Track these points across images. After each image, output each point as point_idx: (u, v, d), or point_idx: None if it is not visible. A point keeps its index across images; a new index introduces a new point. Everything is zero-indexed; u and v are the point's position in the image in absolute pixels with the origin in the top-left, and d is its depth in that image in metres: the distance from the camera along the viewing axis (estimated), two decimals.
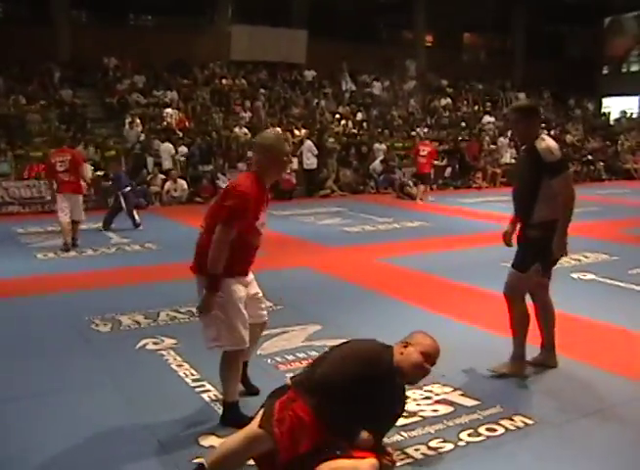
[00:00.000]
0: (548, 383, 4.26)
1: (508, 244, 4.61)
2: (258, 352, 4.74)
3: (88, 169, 11.37)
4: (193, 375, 4.33)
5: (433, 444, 3.40)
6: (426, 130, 19.95)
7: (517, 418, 3.68)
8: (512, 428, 3.58)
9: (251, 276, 3.80)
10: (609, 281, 6.96)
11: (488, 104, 23.35)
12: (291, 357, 4.67)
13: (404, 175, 16.82)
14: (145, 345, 4.97)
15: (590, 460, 3.30)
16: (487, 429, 3.56)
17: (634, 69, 28.21)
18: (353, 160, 17.41)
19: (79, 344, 5.07)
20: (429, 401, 3.91)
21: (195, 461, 3.05)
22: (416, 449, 3.34)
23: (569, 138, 22.02)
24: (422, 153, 15.25)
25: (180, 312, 5.79)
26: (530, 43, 27.01)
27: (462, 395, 4.00)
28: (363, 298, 6.32)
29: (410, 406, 3.81)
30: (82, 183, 9.58)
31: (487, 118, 21.70)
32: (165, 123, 16.76)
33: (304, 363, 4.52)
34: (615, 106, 27.30)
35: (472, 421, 3.65)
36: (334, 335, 5.04)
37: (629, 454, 3.39)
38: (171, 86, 18.66)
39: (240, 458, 2.89)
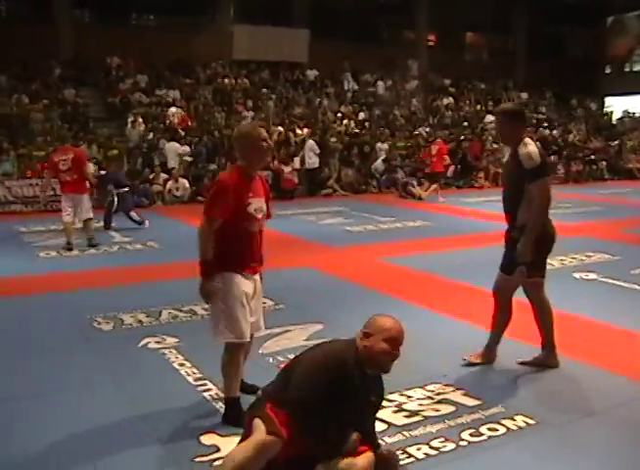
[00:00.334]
0: (550, 383, 4.26)
1: None
2: (260, 352, 4.75)
3: (91, 169, 11.34)
4: (194, 374, 4.34)
5: (434, 443, 3.40)
6: (428, 130, 19.95)
7: (518, 418, 3.67)
8: (513, 428, 3.58)
9: (257, 280, 3.80)
10: (611, 281, 6.95)
11: (491, 103, 23.32)
12: (292, 356, 4.65)
13: (406, 175, 16.81)
14: (147, 343, 4.98)
15: (591, 460, 3.30)
16: (489, 429, 3.55)
17: (637, 68, 28.21)
18: (355, 159, 17.41)
19: (81, 342, 5.08)
20: (430, 401, 3.91)
21: None
22: (417, 449, 3.34)
23: (570, 138, 22.01)
24: (432, 152, 15.30)
25: (182, 311, 5.80)
26: (533, 43, 27.00)
27: (464, 394, 4.00)
28: (365, 297, 6.32)
29: (412, 406, 3.82)
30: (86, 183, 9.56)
31: (490, 118, 21.65)
32: (168, 122, 16.77)
33: None
34: (617, 105, 27.27)
35: (473, 421, 3.64)
36: (335, 334, 5.01)
37: (630, 455, 3.38)
38: (173, 85, 18.69)
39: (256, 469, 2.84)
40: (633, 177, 20.68)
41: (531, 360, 4.49)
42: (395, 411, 3.75)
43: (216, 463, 3.20)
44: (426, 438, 3.45)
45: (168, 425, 3.64)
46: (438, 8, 23.82)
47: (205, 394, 4.05)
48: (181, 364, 4.53)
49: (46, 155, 11.96)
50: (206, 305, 3.93)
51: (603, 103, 27.94)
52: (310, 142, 16.35)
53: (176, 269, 7.21)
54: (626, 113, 26.16)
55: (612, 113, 27.05)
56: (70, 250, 8.84)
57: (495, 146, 19.68)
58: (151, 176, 14.57)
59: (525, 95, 25.05)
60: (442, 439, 3.44)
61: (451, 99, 22.73)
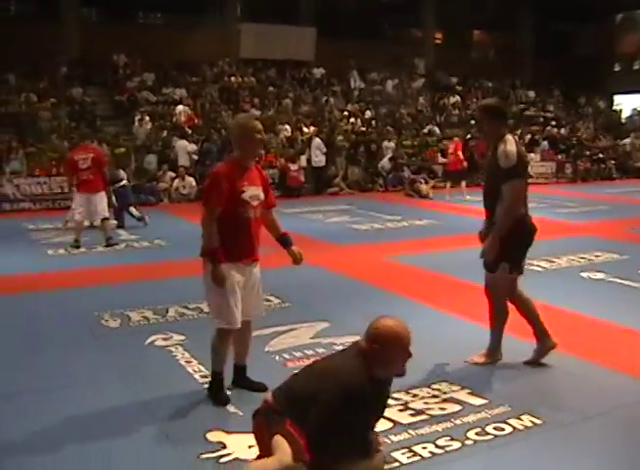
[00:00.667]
0: (556, 382, 4.25)
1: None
2: (266, 349, 4.76)
3: None
4: (201, 371, 4.35)
5: (440, 442, 3.40)
6: (435, 129, 19.93)
7: (525, 418, 3.66)
8: (520, 427, 3.57)
9: (254, 271, 3.96)
10: (619, 281, 6.92)
11: None
12: (298, 354, 4.68)
13: (412, 173, 16.78)
14: (154, 341, 5.00)
15: (598, 460, 3.29)
16: (495, 428, 3.55)
17: None
18: (362, 158, 17.40)
19: (88, 339, 5.10)
20: (436, 400, 3.90)
21: None
22: (423, 448, 3.33)
23: (580, 134, 21.93)
24: (450, 150, 15.27)
25: (189, 308, 5.81)
26: (540, 40, 26.88)
27: (470, 393, 3.99)
28: (371, 295, 6.32)
29: (417, 405, 3.82)
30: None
31: None
32: (175, 121, 16.80)
33: (312, 360, 4.53)
34: (626, 103, 27.13)
35: (479, 420, 3.64)
36: (341, 332, 5.06)
37: (637, 454, 3.37)
38: (180, 84, 18.72)
39: None
40: None
41: (534, 357, 4.48)
42: (401, 410, 3.74)
43: (222, 460, 3.21)
44: (432, 436, 3.45)
45: (174, 422, 3.66)
46: (445, 6, 23.77)
47: None
48: (188, 361, 4.55)
49: (61, 156, 11.85)
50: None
51: (612, 101, 27.79)
52: (317, 140, 16.35)
53: (183, 267, 7.22)
54: (635, 110, 26.00)
55: (620, 111, 26.91)
56: (78, 247, 8.87)
57: None
58: (158, 174, 14.60)
59: (532, 93, 24.96)
60: (448, 438, 3.44)
61: (458, 97, 22.66)
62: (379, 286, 6.70)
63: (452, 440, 3.41)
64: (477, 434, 3.48)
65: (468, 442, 3.40)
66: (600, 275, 7.17)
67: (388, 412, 3.44)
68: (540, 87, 25.31)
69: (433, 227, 10.78)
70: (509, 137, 4.28)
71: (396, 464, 3.18)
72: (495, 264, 4.34)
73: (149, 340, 5.01)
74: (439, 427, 3.56)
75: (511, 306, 4.55)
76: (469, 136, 19.52)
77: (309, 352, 4.69)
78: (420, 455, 3.27)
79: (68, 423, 3.67)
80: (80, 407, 3.87)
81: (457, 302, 6.08)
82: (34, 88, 16.78)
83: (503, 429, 3.54)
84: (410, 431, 3.50)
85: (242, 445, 3.34)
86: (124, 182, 11.05)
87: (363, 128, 18.95)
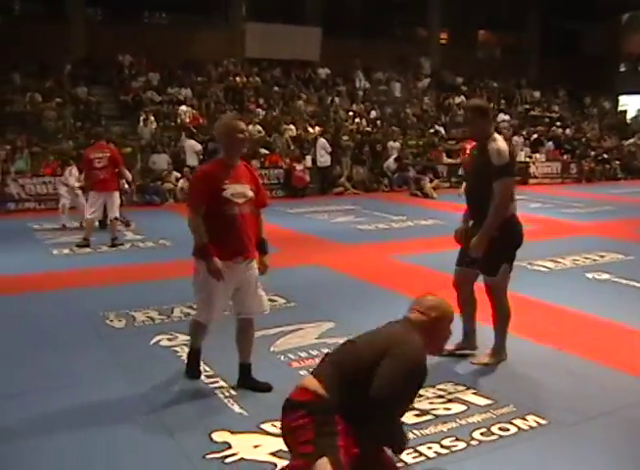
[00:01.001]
0: (561, 383, 4.24)
1: (461, 242, 4.61)
2: (271, 350, 4.77)
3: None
4: (206, 371, 4.35)
5: (445, 442, 3.39)
6: (441, 129, 19.91)
7: (530, 418, 3.66)
8: (525, 428, 3.57)
9: (249, 266, 4.02)
10: (624, 281, 6.90)
11: (503, 102, 23.22)
12: (304, 355, 4.68)
13: (417, 173, 16.77)
14: (159, 341, 5.01)
15: (603, 460, 3.28)
16: (500, 428, 3.55)
17: None
18: (367, 158, 17.39)
19: (93, 339, 5.11)
20: (442, 400, 3.90)
21: None
22: (429, 448, 3.34)
23: (585, 132, 21.89)
24: (467, 151, 15.29)
25: (194, 309, 5.77)
26: (546, 40, 26.81)
27: (475, 393, 3.99)
28: (376, 295, 6.32)
29: (423, 405, 3.81)
30: (123, 182, 9.54)
31: (502, 116, 21.58)
32: (179, 121, 16.82)
33: (317, 361, 4.54)
34: (632, 104, 27.04)
35: (485, 420, 3.64)
36: (347, 333, 5.02)
37: None
38: (185, 84, 18.73)
39: None
40: None
41: (453, 347, 4.52)
42: None
43: (228, 460, 3.22)
44: (437, 437, 3.45)
45: (180, 422, 3.66)
46: (451, 5, 23.73)
47: (217, 391, 4.07)
48: None
49: (77, 155, 11.77)
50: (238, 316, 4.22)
51: (617, 101, 27.70)
52: (322, 140, 16.35)
53: (188, 267, 7.17)
54: None
55: (626, 111, 26.82)
56: (88, 246, 8.88)
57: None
58: (163, 174, 14.62)
59: (537, 93, 24.90)
60: (453, 438, 3.44)
61: (463, 97, 22.62)
62: (384, 286, 6.69)
63: (457, 440, 3.41)
64: (482, 434, 3.48)
65: (473, 442, 3.40)
66: (605, 276, 7.15)
67: None
68: (546, 87, 25.26)
69: (438, 227, 10.76)
70: (497, 135, 4.33)
71: (401, 464, 3.18)
72: (496, 269, 4.36)
73: (154, 340, 5.02)
74: (445, 427, 3.56)
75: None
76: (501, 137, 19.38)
77: (314, 353, 4.70)
78: (425, 455, 3.27)
79: (72, 422, 3.68)
80: (85, 407, 3.88)
81: None
82: (39, 88, 16.81)
83: (508, 429, 3.54)
84: (415, 431, 3.49)
85: (247, 445, 3.35)
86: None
87: (368, 128, 18.94)
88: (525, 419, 3.65)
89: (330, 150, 16.30)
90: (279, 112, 18.62)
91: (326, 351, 4.69)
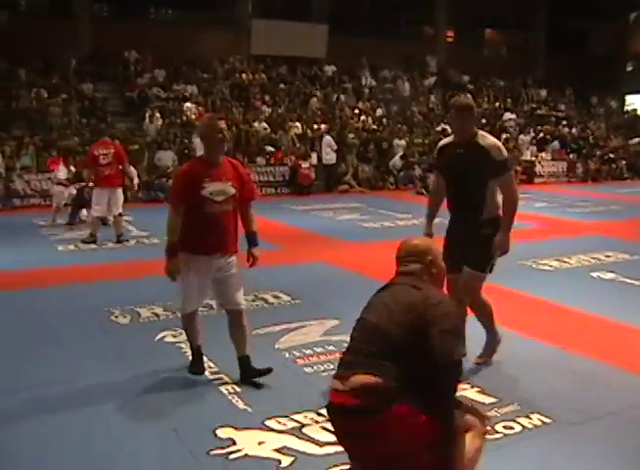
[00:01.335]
0: (566, 382, 4.23)
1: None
2: (276, 347, 4.78)
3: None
4: (211, 368, 4.36)
5: None
6: (447, 127, 19.86)
7: (534, 416, 3.66)
8: (529, 426, 3.56)
9: (228, 261, 4.12)
10: (629, 281, 6.88)
11: (509, 100, 23.16)
12: (308, 352, 4.69)
13: (423, 171, 16.75)
14: (164, 337, 5.02)
15: (607, 460, 3.28)
16: (504, 427, 3.54)
17: None
18: (373, 155, 17.38)
19: (98, 335, 5.13)
20: None
21: None
22: None
23: (591, 133, 21.79)
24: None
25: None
26: (552, 39, 26.71)
27: (479, 392, 3.99)
28: None
29: None
30: (126, 179, 9.55)
31: (508, 115, 21.54)
32: (185, 118, 16.83)
33: (322, 358, 4.55)
34: (639, 103, 26.92)
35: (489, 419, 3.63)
36: (351, 330, 5.05)
37: None
38: (191, 80, 18.73)
39: None
40: None
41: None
42: None
43: (232, 457, 3.22)
44: None
45: (185, 418, 3.67)
46: (457, 4, 23.66)
47: (222, 387, 4.08)
48: None
49: (84, 151, 11.80)
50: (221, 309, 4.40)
51: (624, 101, 27.59)
52: (327, 138, 16.35)
53: None
54: None
55: (633, 111, 26.71)
56: (95, 242, 8.90)
57: (511, 141, 19.54)
58: (168, 170, 14.63)
59: (544, 92, 24.83)
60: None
61: (469, 96, 22.58)
62: None
63: None
64: None
65: None
66: (610, 275, 7.13)
67: None
68: (552, 86, 25.18)
69: (443, 225, 10.70)
70: (484, 132, 4.30)
71: None
72: (488, 264, 4.33)
73: (159, 336, 5.04)
74: None
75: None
76: (506, 136, 19.32)
77: (319, 350, 4.70)
78: None
79: (76, 416, 3.69)
80: (89, 402, 3.89)
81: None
82: (45, 84, 16.83)
83: (512, 428, 3.54)
84: None
85: (252, 441, 3.36)
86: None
87: (374, 126, 18.91)
88: (529, 418, 3.64)
89: (335, 147, 16.30)
90: (285, 109, 18.61)
91: (331, 348, 4.71)
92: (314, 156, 16.27)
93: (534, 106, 23.69)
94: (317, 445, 3.34)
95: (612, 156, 20.70)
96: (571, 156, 20.36)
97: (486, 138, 4.21)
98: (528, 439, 3.44)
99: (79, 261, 7.96)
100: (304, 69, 21.50)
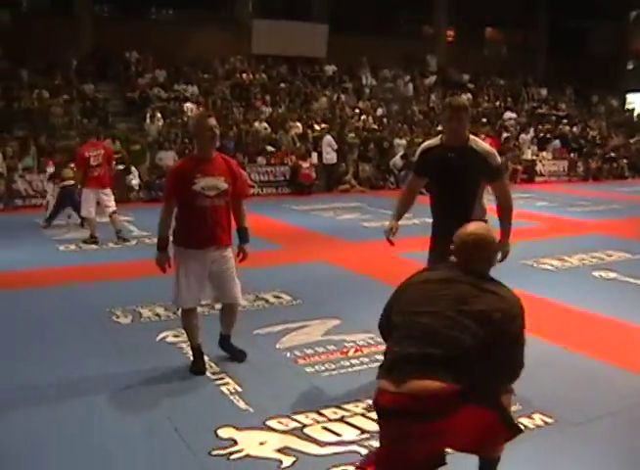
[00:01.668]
0: (568, 381, 4.23)
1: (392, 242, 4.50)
2: (277, 346, 4.77)
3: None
4: (212, 367, 4.37)
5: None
6: None
7: (536, 416, 3.65)
8: (531, 426, 3.56)
9: (223, 254, 4.27)
10: (631, 280, 6.88)
11: (510, 99, 23.14)
12: (309, 352, 4.68)
13: None
14: (165, 337, 5.02)
15: (609, 460, 3.28)
16: None
17: None
18: (373, 155, 17.37)
19: (99, 334, 5.13)
20: None
21: None
22: None
23: (592, 132, 21.77)
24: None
25: (200, 305, 5.81)
26: (553, 38, 26.70)
27: None
28: (383, 293, 6.26)
29: None
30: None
31: (509, 114, 21.52)
32: (186, 118, 16.81)
33: (323, 358, 4.55)
34: (639, 102, 26.90)
35: None
36: (353, 330, 5.06)
37: None
38: (192, 81, 18.73)
39: None
40: None
41: None
42: None
43: (233, 457, 3.22)
44: None
45: (185, 418, 3.67)
46: (458, 3, 23.65)
47: (223, 387, 4.07)
48: None
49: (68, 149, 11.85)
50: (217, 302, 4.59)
51: (624, 99, 27.57)
52: (328, 137, 16.35)
53: None
54: None
55: (634, 109, 26.70)
56: (96, 243, 8.91)
57: (513, 141, 19.53)
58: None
59: (544, 91, 24.81)
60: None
61: (469, 95, 22.55)
62: (391, 283, 6.66)
63: None
64: None
65: None
66: (612, 274, 7.13)
67: None
68: (553, 85, 25.15)
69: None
70: (474, 136, 4.19)
71: None
72: None
73: (160, 336, 5.04)
74: None
75: None
76: (507, 135, 19.27)
77: (320, 350, 4.70)
78: None
79: (76, 416, 3.70)
80: (90, 401, 3.89)
81: None
82: (47, 85, 16.84)
83: None
84: None
85: (253, 441, 3.36)
86: (72, 182, 10.70)
87: (375, 126, 18.91)
88: (531, 418, 3.64)
89: (336, 147, 16.30)
90: (285, 109, 18.61)
91: (332, 347, 4.71)
92: (315, 155, 16.27)
93: (535, 105, 23.67)
94: (318, 445, 3.34)
95: (613, 154, 20.68)
96: (571, 155, 20.35)
97: (479, 142, 4.12)
98: (530, 439, 3.43)
99: (81, 261, 7.96)
100: (305, 68, 21.50)
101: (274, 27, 20.79)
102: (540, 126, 21.55)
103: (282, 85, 19.92)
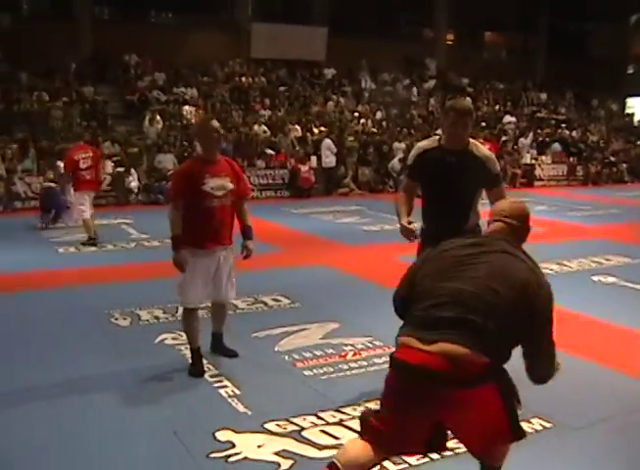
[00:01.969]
0: (567, 386, 4.21)
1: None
2: (276, 349, 4.77)
3: (107, 166, 11.32)
4: (210, 370, 4.36)
5: (449, 444, 3.37)
6: None
7: (535, 421, 3.65)
8: (530, 431, 3.54)
9: (223, 256, 4.34)
10: (630, 285, 6.88)
11: (509, 103, 23.17)
12: (308, 355, 4.68)
13: None
14: (164, 339, 5.01)
15: (608, 465, 3.27)
16: None
17: None
18: (373, 158, 17.37)
19: (98, 337, 5.12)
20: None
21: None
22: None
23: (591, 137, 21.78)
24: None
25: (199, 308, 5.81)
26: (553, 42, 26.73)
27: None
28: (382, 296, 6.26)
29: None
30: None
31: (508, 118, 21.54)
32: (185, 121, 16.83)
33: (322, 361, 4.54)
34: (639, 106, 26.93)
35: None
36: (352, 333, 5.05)
37: None
38: (191, 84, 18.75)
39: None
40: None
41: None
42: None
43: (231, 460, 3.22)
44: None
45: (184, 420, 3.66)
46: (457, 6, 23.68)
47: (221, 390, 4.07)
48: None
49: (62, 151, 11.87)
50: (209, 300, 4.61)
51: (625, 103, 27.59)
52: (327, 141, 16.35)
53: None
54: None
55: (634, 114, 26.72)
56: (94, 245, 8.91)
57: (511, 145, 19.54)
58: (168, 173, 14.63)
59: (544, 95, 24.83)
60: (458, 440, 3.42)
61: (469, 99, 22.57)
62: (390, 287, 6.66)
63: None
64: None
65: None
66: (611, 279, 7.13)
67: None
68: (552, 89, 25.17)
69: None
70: (474, 141, 4.07)
71: (405, 465, 3.17)
72: None
73: (159, 338, 5.03)
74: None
75: None
76: (505, 138, 19.28)
77: (319, 353, 4.69)
78: (429, 457, 3.25)
79: (74, 419, 3.69)
80: (88, 404, 3.88)
81: None
82: (46, 87, 16.85)
83: None
84: None
85: (251, 444, 3.35)
86: (53, 184, 10.75)
87: (374, 129, 18.92)
88: (530, 422, 3.62)
89: (335, 151, 16.31)
90: (284, 112, 18.62)
91: (330, 351, 4.70)
92: (314, 159, 16.28)
93: (534, 109, 23.68)
94: (316, 448, 3.33)
95: (612, 159, 20.70)
96: (571, 159, 20.36)
97: (479, 147, 4.04)
98: (529, 444, 3.41)
99: (79, 264, 7.95)
100: (304, 72, 21.52)
101: (273, 31, 20.81)
102: (540, 130, 21.56)
103: (281, 89, 19.94)
